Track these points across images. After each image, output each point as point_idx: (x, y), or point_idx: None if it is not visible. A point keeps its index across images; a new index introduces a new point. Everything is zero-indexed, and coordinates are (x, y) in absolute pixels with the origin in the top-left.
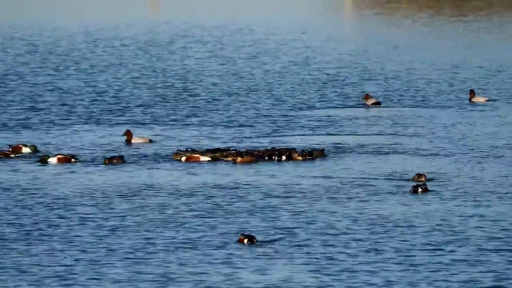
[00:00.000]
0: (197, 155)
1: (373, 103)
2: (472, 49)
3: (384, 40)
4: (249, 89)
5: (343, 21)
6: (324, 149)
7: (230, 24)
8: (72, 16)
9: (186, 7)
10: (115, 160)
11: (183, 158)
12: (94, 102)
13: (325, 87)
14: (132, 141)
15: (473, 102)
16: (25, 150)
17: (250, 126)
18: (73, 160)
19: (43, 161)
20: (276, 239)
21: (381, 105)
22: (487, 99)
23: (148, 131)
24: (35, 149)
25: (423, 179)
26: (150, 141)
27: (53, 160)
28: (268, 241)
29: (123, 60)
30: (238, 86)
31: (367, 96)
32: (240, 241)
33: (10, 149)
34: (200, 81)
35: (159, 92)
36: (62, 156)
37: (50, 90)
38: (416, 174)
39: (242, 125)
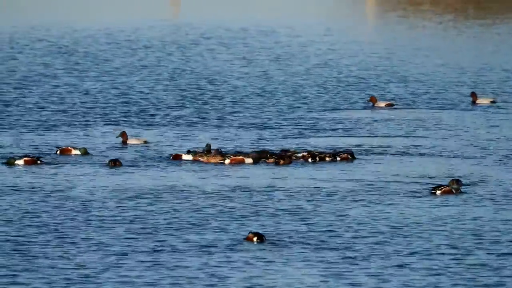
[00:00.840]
0: (241, 157)
1: (386, 105)
2: (496, 52)
3: (407, 42)
4: (271, 91)
5: (366, 23)
6: (335, 151)
7: (251, 25)
8: (92, 18)
9: (207, 8)
10: (117, 163)
11: (227, 161)
12: (114, 104)
13: (347, 89)
14: (128, 142)
15: (477, 104)
16: (75, 152)
17: (271, 128)
18: (38, 162)
19: (10, 163)
20: (295, 239)
21: (394, 106)
22: (492, 100)
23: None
24: (85, 152)
25: (454, 184)
26: (145, 142)
27: (20, 162)
28: (282, 241)
29: (144, 62)
30: (260, 88)
31: (372, 99)
32: (249, 239)
33: (58, 152)
34: (222, 83)
35: (180, 93)
36: (28, 158)
37: (71, 91)
38: (451, 180)
39: (263, 127)
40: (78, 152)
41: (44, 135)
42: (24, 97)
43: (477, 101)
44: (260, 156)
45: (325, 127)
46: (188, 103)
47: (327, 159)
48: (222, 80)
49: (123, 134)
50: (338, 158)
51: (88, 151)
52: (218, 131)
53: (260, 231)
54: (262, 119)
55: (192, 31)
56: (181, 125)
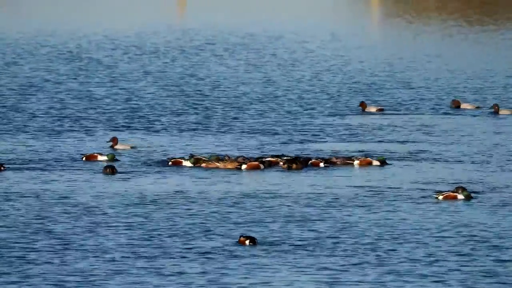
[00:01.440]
0: (256, 163)
1: (377, 110)
2: (504, 57)
3: (411, 48)
4: (275, 97)
5: (370, 28)
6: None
7: (255, 29)
8: (97, 20)
9: (212, 8)
10: (114, 170)
11: (244, 166)
12: (116, 109)
13: (350, 95)
14: (115, 147)
15: (459, 109)
16: (101, 158)
17: (274, 134)
18: (2, 168)
19: None
20: (292, 244)
21: (384, 111)
22: (476, 106)
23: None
24: (112, 158)
25: (459, 191)
26: (132, 147)
27: None
28: (279, 246)
29: (147, 67)
30: (263, 94)
31: (362, 104)
32: (241, 243)
33: (84, 158)
34: (225, 88)
35: (182, 99)
36: None
37: (75, 97)
38: (456, 188)
39: (266, 133)
40: (105, 158)
41: (47, 140)
42: (28, 103)
43: (461, 107)
44: (270, 162)
45: (322, 133)
46: (190, 109)
47: (338, 163)
48: (225, 85)
49: (114, 140)
50: (357, 162)
51: (116, 157)
52: (220, 137)
53: (252, 234)
54: (265, 125)
55: (197, 36)
56: (183, 130)
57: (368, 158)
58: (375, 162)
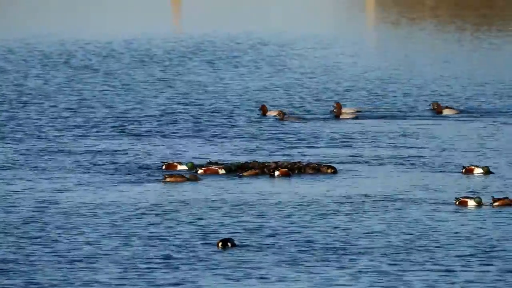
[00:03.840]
0: (286, 170)
1: (278, 114)
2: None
3: (406, 52)
4: (267, 103)
5: (365, 33)
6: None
7: (251, 35)
8: (92, 27)
9: (207, 13)
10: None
11: (277, 173)
12: (107, 116)
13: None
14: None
15: (341, 113)
16: (181, 167)
17: (263, 139)
18: None
19: None
20: (275, 248)
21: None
22: (357, 110)
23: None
24: (192, 166)
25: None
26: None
27: None
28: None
29: (141, 74)
30: (259, 99)
31: (263, 107)
32: (217, 246)
33: (164, 166)
34: (217, 95)
35: (174, 105)
36: None
37: (72, 102)
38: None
39: (255, 139)
40: (184, 167)
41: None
42: (22, 112)
43: (342, 111)
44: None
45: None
46: (178, 116)
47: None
48: (217, 92)
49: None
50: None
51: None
52: (210, 143)
53: (231, 237)
54: (253, 130)
55: (191, 40)
56: (182, 136)
57: (472, 166)
58: (478, 170)
